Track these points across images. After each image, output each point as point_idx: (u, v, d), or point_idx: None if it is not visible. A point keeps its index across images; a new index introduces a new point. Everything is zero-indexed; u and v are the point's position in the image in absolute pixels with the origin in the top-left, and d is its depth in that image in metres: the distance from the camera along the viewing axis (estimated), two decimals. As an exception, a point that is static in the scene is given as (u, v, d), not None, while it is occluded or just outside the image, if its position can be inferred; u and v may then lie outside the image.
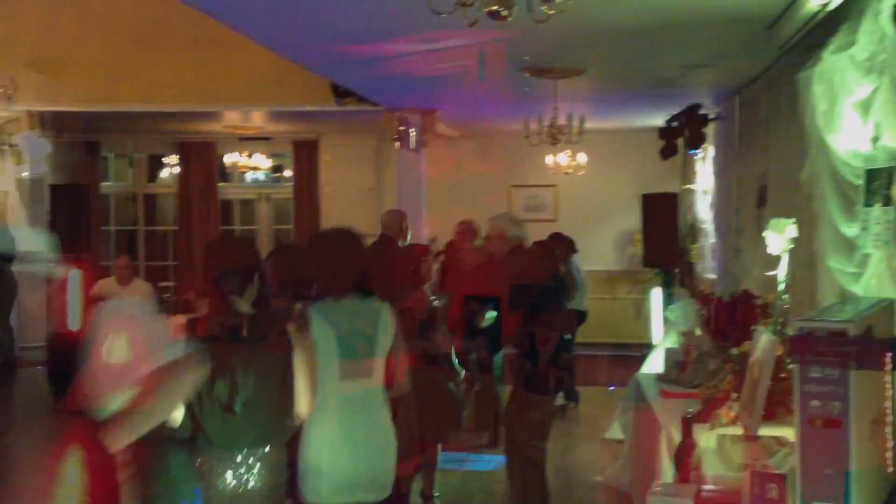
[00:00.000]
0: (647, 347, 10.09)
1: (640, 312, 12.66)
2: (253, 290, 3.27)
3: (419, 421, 5.33)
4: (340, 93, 9.54)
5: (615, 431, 7.31)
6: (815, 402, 1.96)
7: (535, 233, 9.73)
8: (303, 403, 3.25)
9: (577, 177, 11.69)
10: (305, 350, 3.35)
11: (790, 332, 3.82)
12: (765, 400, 3.48)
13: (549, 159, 11.37)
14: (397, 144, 9.91)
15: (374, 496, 3.56)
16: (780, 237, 3.84)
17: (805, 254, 4.63)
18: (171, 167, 13.64)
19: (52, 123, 11.15)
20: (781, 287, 3.94)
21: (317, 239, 3.77)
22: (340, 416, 3.48)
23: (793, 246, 3.95)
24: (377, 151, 12.80)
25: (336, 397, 3.48)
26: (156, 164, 13.87)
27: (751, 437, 3.37)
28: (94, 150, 12.97)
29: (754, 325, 4.21)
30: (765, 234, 3.86)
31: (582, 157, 11.28)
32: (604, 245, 12.73)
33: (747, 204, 7.54)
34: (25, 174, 10.62)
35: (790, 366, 3.75)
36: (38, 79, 9.93)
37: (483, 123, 11.62)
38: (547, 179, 12.40)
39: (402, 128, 9.78)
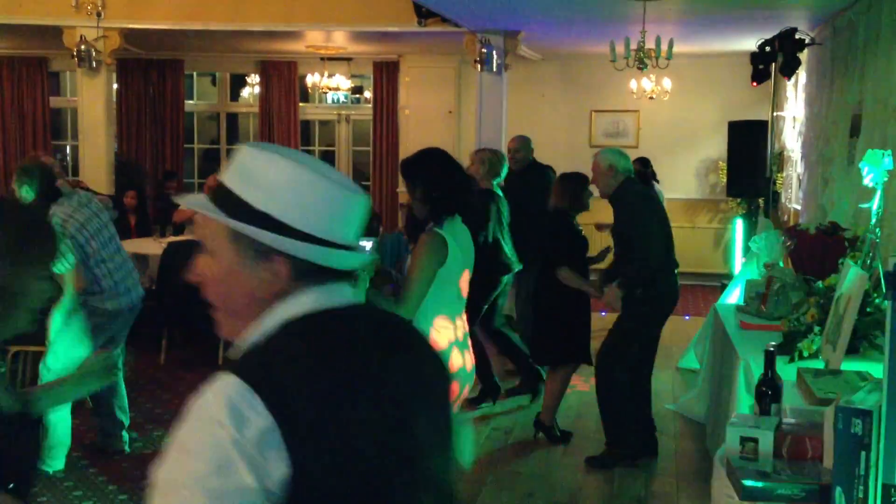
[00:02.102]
0: (726, 278, 9.98)
1: (721, 242, 12.48)
2: None
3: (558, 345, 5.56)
4: (423, 13, 9.45)
5: (690, 361, 7.29)
6: (906, 339, 1.92)
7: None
8: None
9: (661, 102, 11.45)
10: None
11: (883, 266, 3.74)
12: (849, 334, 3.43)
13: (632, 84, 11.15)
14: (478, 67, 9.80)
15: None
16: (874, 169, 3.73)
17: (899, 187, 4.48)
18: (252, 86, 13.79)
19: (139, 41, 11.34)
20: (873, 221, 3.83)
21: (428, 157, 3.64)
22: (461, 333, 3.50)
23: (887, 178, 3.83)
24: (458, 74, 12.71)
25: (455, 315, 3.49)
26: (238, 83, 14.03)
27: (833, 371, 3.34)
28: (178, 67, 13.17)
29: (842, 258, 4.13)
30: (861, 164, 3.75)
31: (667, 82, 11.03)
32: (685, 172, 12.51)
33: (839, 133, 7.29)
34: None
35: (877, 301, 3.68)
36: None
37: (566, 47, 11.40)
38: (629, 105, 12.18)
39: (483, 50, 9.66)
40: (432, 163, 3.58)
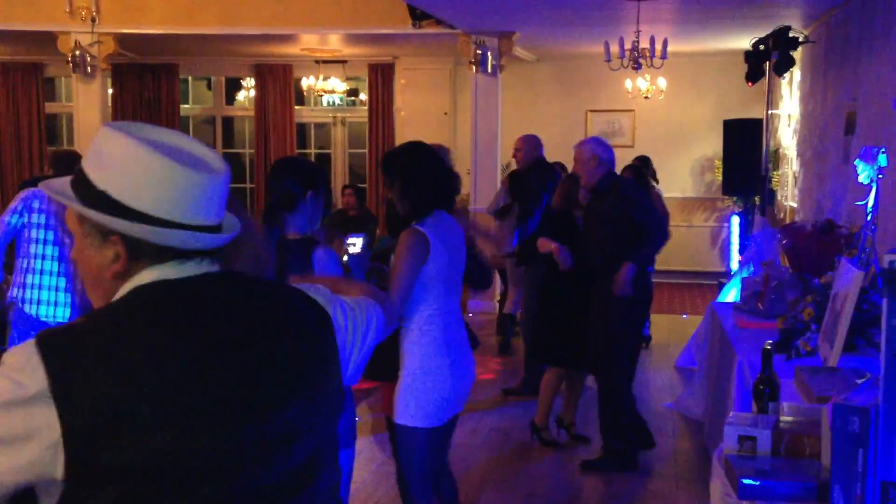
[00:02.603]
0: (723, 276, 10.00)
1: (717, 240, 12.50)
2: (307, 207, 3.26)
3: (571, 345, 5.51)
4: (417, 15, 9.46)
5: (687, 359, 7.30)
6: (902, 336, 1.93)
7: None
8: None
9: (657, 101, 11.48)
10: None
11: (879, 264, 3.75)
12: (846, 332, 3.43)
13: (627, 83, 11.16)
14: (473, 68, 9.82)
15: (460, 407, 3.53)
16: (869, 166, 3.74)
17: (894, 184, 4.49)
18: (248, 90, 13.79)
19: (133, 45, 11.34)
20: (869, 218, 3.84)
21: (405, 152, 3.55)
22: (449, 332, 3.42)
23: (882, 176, 3.84)
24: (453, 75, 12.72)
25: (445, 314, 3.42)
26: (233, 86, 14.03)
27: (830, 369, 3.34)
28: (173, 71, 13.16)
29: (838, 255, 4.13)
30: (856, 162, 3.76)
31: (662, 82, 11.05)
32: (681, 171, 12.53)
33: (834, 130, 7.31)
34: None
35: (874, 298, 3.68)
36: (121, 2, 10.07)
37: (561, 47, 11.42)
38: (624, 104, 12.21)
39: (478, 51, 9.68)
40: (413, 157, 3.49)
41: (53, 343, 1.26)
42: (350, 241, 3.08)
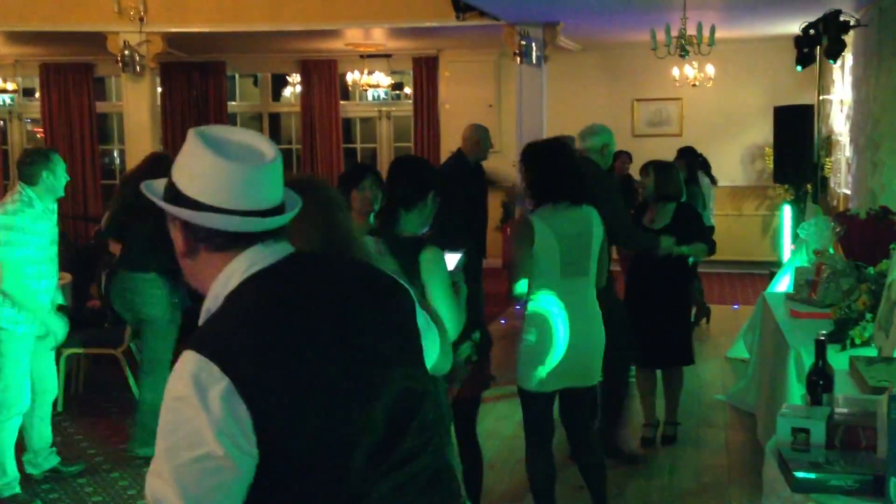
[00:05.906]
0: (775, 265, 9.85)
1: (769, 229, 12.31)
2: (426, 209, 3.31)
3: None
4: (461, 8, 9.45)
5: (739, 350, 7.21)
6: (961, 326, 1.88)
7: (660, 147, 9.61)
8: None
9: (705, 89, 11.33)
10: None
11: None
12: (903, 321, 3.36)
13: (675, 71, 11.03)
14: (518, 59, 9.77)
15: (582, 382, 3.94)
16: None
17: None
18: (293, 86, 13.88)
19: (181, 44, 11.48)
20: (925, 204, 3.75)
21: (534, 149, 3.94)
22: (559, 308, 3.80)
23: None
24: (497, 67, 12.68)
25: (558, 293, 3.80)
26: (279, 83, 14.15)
27: (886, 359, 3.28)
28: (220, 69, 13.31)
29: (893, 243, 4.05)
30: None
31: (710, 69, 10.91)
32: (731, 160, 12.34)
33: (887, 116, 7.15)
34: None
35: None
36: (168, 1, 10.21)
37: (606, 36, 11.32)
38: (672, 93, 12.06)
39: (522, 42, 9.62)
40: (543, 151, 3.86)
41: (212, 346, 1.41)
42: (447, 257, 3.09)
